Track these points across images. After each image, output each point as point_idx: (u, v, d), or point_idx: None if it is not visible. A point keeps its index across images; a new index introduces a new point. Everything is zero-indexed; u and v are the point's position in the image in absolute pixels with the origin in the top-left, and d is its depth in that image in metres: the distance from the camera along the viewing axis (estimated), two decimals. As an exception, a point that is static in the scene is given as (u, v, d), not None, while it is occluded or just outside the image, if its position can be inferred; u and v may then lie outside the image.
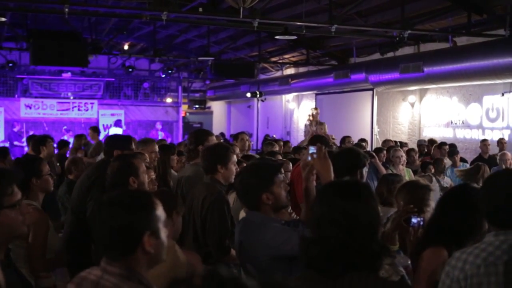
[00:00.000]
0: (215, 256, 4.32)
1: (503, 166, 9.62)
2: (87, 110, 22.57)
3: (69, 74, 22.46)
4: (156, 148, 6.83)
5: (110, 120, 22.62)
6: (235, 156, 4.80)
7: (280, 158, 7.12)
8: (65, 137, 17.26)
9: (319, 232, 2.22)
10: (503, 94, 12.71)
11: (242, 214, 4.36)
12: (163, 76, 22.74)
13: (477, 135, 13.86)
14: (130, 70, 20.98)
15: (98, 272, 2.24)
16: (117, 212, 2.24)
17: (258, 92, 19.37)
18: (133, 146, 5.66)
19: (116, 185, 4.20)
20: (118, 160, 4.55)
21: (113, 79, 23.35)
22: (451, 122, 14.74)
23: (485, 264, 2.70)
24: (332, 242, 2.16)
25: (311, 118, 15.10)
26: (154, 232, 2.25)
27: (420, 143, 12.25)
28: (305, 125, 15.39)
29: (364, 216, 2.20)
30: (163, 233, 2.31)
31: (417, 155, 10.46)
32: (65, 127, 21.26)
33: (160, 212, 2.32)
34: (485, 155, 10.94)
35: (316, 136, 6.40)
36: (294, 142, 16.49)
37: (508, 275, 2.68)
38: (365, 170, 4.44)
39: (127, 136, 6.43)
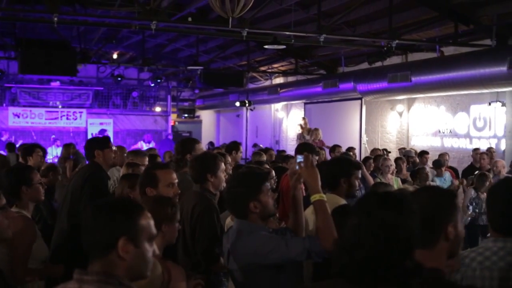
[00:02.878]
0: (204, 265, 4.33)
1: (500, 175, 9.70)
2: (75, 119, 22.51)
3: (57, 83, 22.42)
4: (146, 160, 6.90)
5: (99, 129, 22.58)
6: (223, 164, 4.81)
7: (267, 167, 7.14)
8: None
9: (354, 240, 2.14)
10: (490, 104, 12.79)
11: (229, 221, 4.37)
12: (152, 85, 22.74)
13: (465, 144, 13.94)
14: (119, 79, 20.98)
15: (74, 285, 2.21)
16: (98, 212, 2.26)
17: (247, 101, 19.40)
18: (112, 145, 5.74)
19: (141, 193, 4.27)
20: (145, 170, 4.61)
21: (102, 88, 23.33)
22: (439, 131, 14.82)
23: (480, 268, 2.77)
24: (367, 252, 2.09)
25: (301, 129, 15.23)
26: (133, 239, 2.23)
27: (406, 154, 12.31)
28: (297, 136, 15.51)
29: (402, 229, 2.12)
30: (146, 246, 2.27)
31: (405, 164, 10.53)
32: (53, 136, 21.18)
33: (146, 223, 2.29)
34: (476, 164, 10.98)
35: (303, 144, 6.40)
36: (287, 151, 16.50)
37: (504, 281, 2.74)
38: (354, 178, 4.43)
39: (104, 136, 6.54)
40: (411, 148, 13.67)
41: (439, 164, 10.62)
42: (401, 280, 2.09)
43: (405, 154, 12.00)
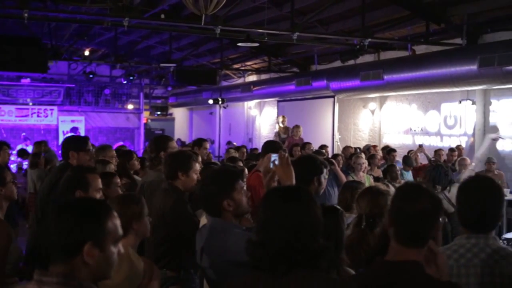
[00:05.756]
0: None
1: (463, 171, 9.84)
2: (46, 116, 22.23)
3: (28, 80, 22.10)
4: (114, 152, 6.83)
5: (70, 127, 22.34)
6: (197, 165, 4.79)
7: (241, 164, 7.14)
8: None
9: (264, 235, 2.33)
10: (460, 102, 12.96)
11: (203, 220, 4.36)
12: (125, 82, 22.51)
13: (436, 141, 14.11)
14: (91, 76, 20.72)
15: (34, 286, 2.16)
16: (63, 216, 2.17)
17: (220, 99, 19.38)
18: (90, 147, 5.53)
19: (63, 197, 4.12)
20: (71, 171, 4.45)
21: (74, 85, 23.06)
22: (411, 129, 14.97)
23: (457, 265, 2.84)
24: (276, 243, 2.27)
25: (280, 126, 15.27)
26: (99, 244, 2.17)
27: (365, 148, 12.46)
28: (275, 134, 15.53)
29: (305, 218, 2.31)
30: (112, 249, 2.22)
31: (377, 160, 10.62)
32: (23, 133, 20.90)
33: (113, 225, 2.23)
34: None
35: (269, 142, 6.37)
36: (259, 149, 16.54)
37: (479, 277, 2.80)
38: (323, 177, 4.44)
39: (83, 137, 6.33)
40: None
41: (409, 163, 10.74)
42: (312, 262, 2.28)
43: (365, 149, 12.14)
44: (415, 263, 2.48)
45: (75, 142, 5.53)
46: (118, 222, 2.28)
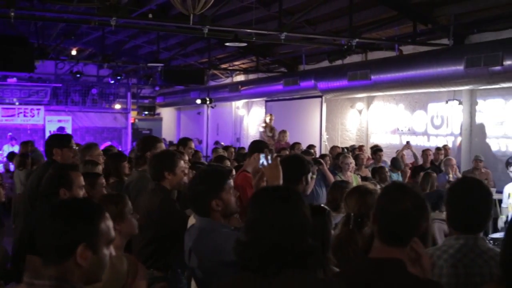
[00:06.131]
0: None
1: (449, 171, 9.89)
2: (33, 116, 22.10)
3: (14, 79, 21.96)
4: (100, 151, 6.81)
5: (57, 127, 22.21)
6: (183, 162, 4.79)
7: (229, 164, 7.13)
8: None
9: (253, 235, 2.33)
10: (447, 102, 13.03)
11: (192, 220, 4.36)
12: (112, 82, 22.46)
13: (423, 141, 14.18)
14: (78, 76, 20.62)
15: None
16: (57, 218, 2.16)
17: (208, 99, 19.37)
18: (73, 144, 5.56)
19: (47, 195, 4.12)
20: (53, 169, 4.45)
21: (61, 85, 22.94)
22: (398, 129, 15.03)
23: (447, 265, 2.89)
24: (265, 243, 2.27)
25: (264, 124, 15.23)
26: (92, 245, 2.15)
27: (351, 148, 12.51)
28: (260, 132, 15.49)
29: (294, 217, 2.32)
30: (105, 251, 2.21)
31: (365, 159, 10.66)
32: (10, 133, 20.76)
33: (105, 227, 2.22)
34: (425, 165, 11.21)
35: (256, 142, 6.37)
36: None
37: (469, 277, 2.85)
38: (310, 176, 4.45)
39: (66, 134, 6.33)
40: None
41: (398, 165, 10.78)
42: (300, 262, 2.28)
43: (350, 149, 12.19)
44: (397, 261, 2.49)
45: (58, 139, 5.58)
46: (111, 223, 2.27)
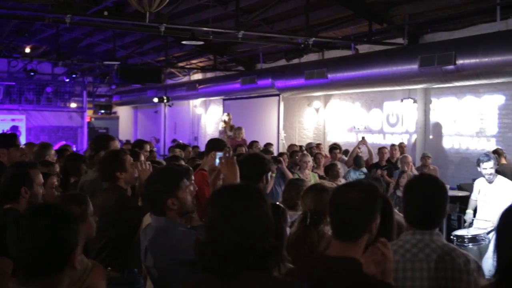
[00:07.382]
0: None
1: (405, 168, 10.03)
2: (-15, 115, 21.64)
3: (-34, 77, 21.49)
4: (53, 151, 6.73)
5: (10, 126, 21.77)
6: (129, 157, 4.75)
7: (183, 163, 7.08)
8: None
9: (213, 235, 2.26)
10: (402, 100, 13.24)
11: (148, 219, 4.33)
12: (67, 80, 22.16)
13: (379, 139, 14.36)
14: (32, 74, 20.26)
15: None
16: (46, 227, 1.97)
17: (165, 97, 19.27)
18: (19, 143, 5.47)
19: (7, 195, 4.06)
20: (12, 168, 4.38)
21: (14, 83, 22.53)
22: (354, 127, 15.20)
23: (403, 260, 2.95)
24: (225, 243, 2.20)
25: (224, 124, 15.19)
26: (79, 246, 2.06)
27: (308, 146, 12.59)
28: (220, 132, 15.44)
29: (255, 217, 2.25)
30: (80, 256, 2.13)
31: (324, 158, 10.73)
32: (-39, 133, 20.25)
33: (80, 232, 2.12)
34: (381, 162, 11.36)
35: (214, 140, 6.35)
36: (202, 148, 16.48)
37: (424, 271, 2.92)
38: (270, 175, 4.47)
39: (11, 133, 6.23)
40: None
41: (359, 163, 10.88)
42: (261, 262, 2.21)
43: (307, 147, 12.27)
44: (352, 260, 2.49)
45: (3, 139, 5.47)
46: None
